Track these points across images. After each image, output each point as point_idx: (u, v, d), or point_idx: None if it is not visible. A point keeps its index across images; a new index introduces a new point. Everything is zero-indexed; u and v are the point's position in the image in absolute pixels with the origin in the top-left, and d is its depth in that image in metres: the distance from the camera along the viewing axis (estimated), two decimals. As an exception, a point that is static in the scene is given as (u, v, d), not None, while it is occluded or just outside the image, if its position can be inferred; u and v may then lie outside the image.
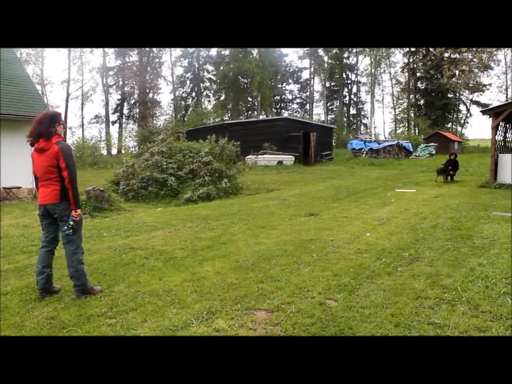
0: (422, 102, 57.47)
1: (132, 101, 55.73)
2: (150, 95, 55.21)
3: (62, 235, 4.26)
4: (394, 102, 60.26)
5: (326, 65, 59.66)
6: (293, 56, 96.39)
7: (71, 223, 4.15)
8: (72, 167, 4.13)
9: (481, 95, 54.18)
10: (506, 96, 50.19)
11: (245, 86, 52.82)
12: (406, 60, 57.34)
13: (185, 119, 49.78)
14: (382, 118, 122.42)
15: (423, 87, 56.21)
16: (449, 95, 53.48)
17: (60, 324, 3.59)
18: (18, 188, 12.98)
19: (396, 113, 59.90)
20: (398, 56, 60.30)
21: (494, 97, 61.42)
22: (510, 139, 17.45)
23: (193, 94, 58.28)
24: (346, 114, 61.32)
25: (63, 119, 4.49)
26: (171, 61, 56.84)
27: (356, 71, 61.38)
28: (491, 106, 16.79)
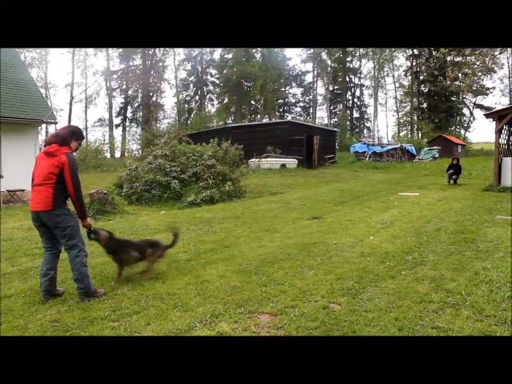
0: (425, 105, 57.36)
1: (136, 104, 55.92)
2: (154, 98, 55.40)
3: (61, 242, 4.27)
4: (398, 105, 60.24)
5: (329, 68, 59.63)
6: (296, 60, 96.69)
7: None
8: (76, 180, 4.18)
9: (484, 98, 54.06)
10: (510, 100, 50.07)
11: (248, 89, 52.87)
12: (409, 63, 57.38)
13: (188, 122, 49.83)
14: (385, 122, 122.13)
15: (426, 91, 56.13)
16: (452, 98, 53.36)
17: (64, 327, 3.60)
18: (22, 190, 13.02)
19: (399, 116, 59.89)
20: (401, 59, 60.31)
21: (497, 101, 61.27)
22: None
23: (197, 97, 58.38)
24: (349, 118, 61.24)
25: (83, 140, 4.75)
26: (174, 65, 57.06)
27: (359, 75, 61.38)
28: (495, 110, 16.75)
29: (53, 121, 14.53)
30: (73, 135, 4.37)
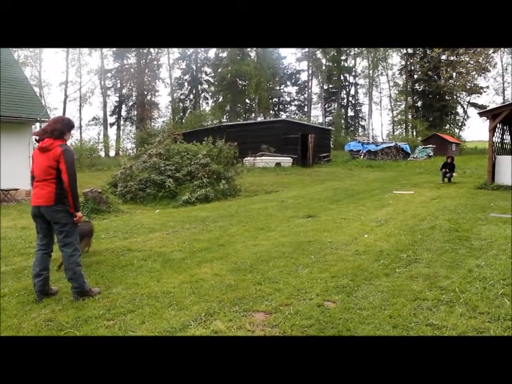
0: (419, 104, 57.50)
1: (130, 103, 55.74)
2: (148, 97, 55.21)
3: (57, 238, 4.25)
4: (392, 104, 60.39)
5: (323, 67, 59.68)
6: (291, 59, 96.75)
7: None
8: (71, 170, 4.11)
9: (478, 97, 54.29)
10: (503, 98, 50.34)
11: (243, 88, 52.85)
12: (403, 62, 57.46)
13: (183, 121, 49.72)
14: (380, 120, 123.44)
15: (420, 89, 56.29)
16: (446, 97, 53.50)
17: (58, 326, 3.58)
18: (16, 189, 12.95)
19: (394, 115, 60.01)
20: (396, 58, 60.47)
21: (490, 99, 61.53)
22: (507, 141, 17.52)
23: (191, 96, 58.28)
24: (344, 116, 61.32)
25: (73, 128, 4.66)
26: (169, 63, 56.98)
27: (353, 73, 61.50)
28: (488, 108, 16.84)
29: (47, 120, 14.45)
30: (67, 126, 4.33)
